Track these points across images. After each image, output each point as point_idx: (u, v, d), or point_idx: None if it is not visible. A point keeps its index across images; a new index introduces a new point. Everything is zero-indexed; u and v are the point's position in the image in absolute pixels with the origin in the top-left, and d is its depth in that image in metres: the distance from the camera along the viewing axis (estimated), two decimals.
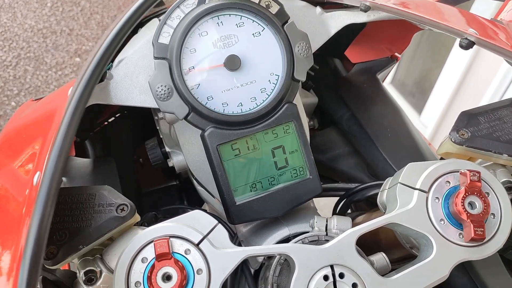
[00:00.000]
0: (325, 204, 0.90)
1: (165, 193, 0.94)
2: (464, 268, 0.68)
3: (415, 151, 0.79)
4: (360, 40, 0.89)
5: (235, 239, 0.66)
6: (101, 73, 0.48)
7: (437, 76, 2.25)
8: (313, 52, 0.63)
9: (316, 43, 0.66)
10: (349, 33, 0.86)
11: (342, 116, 0.88)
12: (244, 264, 0.60)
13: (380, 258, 0.53)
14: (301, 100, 0.71)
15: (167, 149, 0.73)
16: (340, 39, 0.90)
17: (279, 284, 0.51)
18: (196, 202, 0.93)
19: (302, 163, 0.61)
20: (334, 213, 0.74)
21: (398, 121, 0.84)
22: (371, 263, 0.52)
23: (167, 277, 0.43)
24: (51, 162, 0.38)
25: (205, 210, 0.72)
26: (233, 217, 0.58)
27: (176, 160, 0.72)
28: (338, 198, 0.75)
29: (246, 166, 0.59)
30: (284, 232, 0.60)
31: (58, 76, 2.99)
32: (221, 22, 0.58)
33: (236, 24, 0.59)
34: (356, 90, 0.88)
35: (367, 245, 0.61)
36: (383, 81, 0.95)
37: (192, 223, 0.46)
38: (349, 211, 0.87)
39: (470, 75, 2.06)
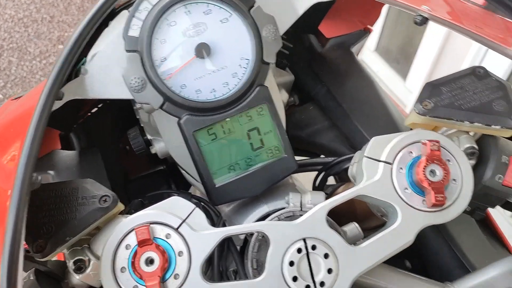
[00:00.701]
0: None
1: (152, 178, 0.97)
2: (438, 230, 0.72)
3: (389, 122, 0.82)
4: (333, 15, 0.90)
5: (220, 219, 0.70)
6: (64, 76, 0.50)
7: (420, 42, 2.26)
8: (283, 32, 0.65)
9: (285, 24, 0.68)
10: (320, 8, 0.87)
11: (318, 92, 0.90)
12: (230, 242, 0.64)
13: (353, 228, 0.57)
14: (275, 80, 0.73)
15: (149, 137, 0.75)
16: (312, 15, 0.91)
17: (258, 259, 0.54)
18: (184, 186, 0.95)
19: (277, 142, 0.63)
20: (314, 186, 0.77)
21: (372, 93, 0.86)
22: (344, 233, 0.55)
23: (150, 261, 0.46)
24: (20, 169, 0.41)
25: (190, 193, 0.76)
26: (213, 199, 0.61)
27: (158, 147, 0.74)
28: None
29: (223, 149, 0.62)
30: (263, 209, 0.63)
31: (43, 65, 2.97)
32: (189, 10, 0.59)
33: (204, 12, 0.60)
34: (331, 66, 0.90)
35: (344, 215, 0.65)
36: (357, 55, 0.96)
37: (171, 209, 0.49)
38: (333, 182, 0.91)
39: (452, 39, 2.07)
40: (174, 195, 0.53)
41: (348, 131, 0.86)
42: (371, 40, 2.72)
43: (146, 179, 0.96)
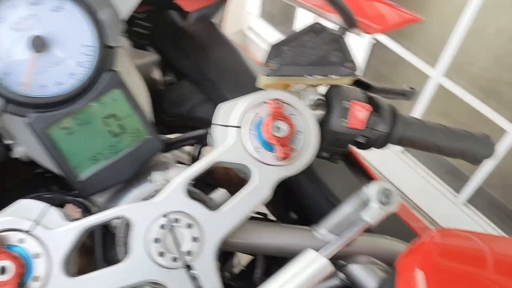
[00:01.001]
0: None
1: (31, 183, 0.92)
2: (310, 177, 0.77)
3: (255, 88, 0.84)
4: None
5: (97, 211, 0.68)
6: None
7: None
8: (129, 13, 0.64)
9: (128, 5, 0.66)
10: None
11: (187, 68, 0.90)
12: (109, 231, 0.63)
13: (221, 194, 0.59)
14: (133, 62, 0.72)
15: (8, 142, 0.71)
16: None
17: (127, 243, 0.54)
18: (66, 185, 0.92)
19: (138, 125, 0.63)
20: (192, 159, 0.79)
21: (236, 61, 0.88)
22: (210, 200, 0.57)
23: (2, 270, 0.44)
24: None
25: (65, 192, 0.73)
26: (81, 192, 0.60)
27: (18, 151, 0.70)
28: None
29: (82, 141, 0.60)
30: (133, 193, 0.63)
31: None
32: (14, 4, 0.56)
33: (31, 3, 0.57)
34: (195, 39, 0.91)
35: (223, 184, 0.67)
36: (219, 24, 0.97)
37: (22, 212, 0.48)
38: None
39: None
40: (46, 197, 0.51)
41: (220, 102, 0.87)
42: (256, 7, 2.76)
43: (23, 185, 0.91)
